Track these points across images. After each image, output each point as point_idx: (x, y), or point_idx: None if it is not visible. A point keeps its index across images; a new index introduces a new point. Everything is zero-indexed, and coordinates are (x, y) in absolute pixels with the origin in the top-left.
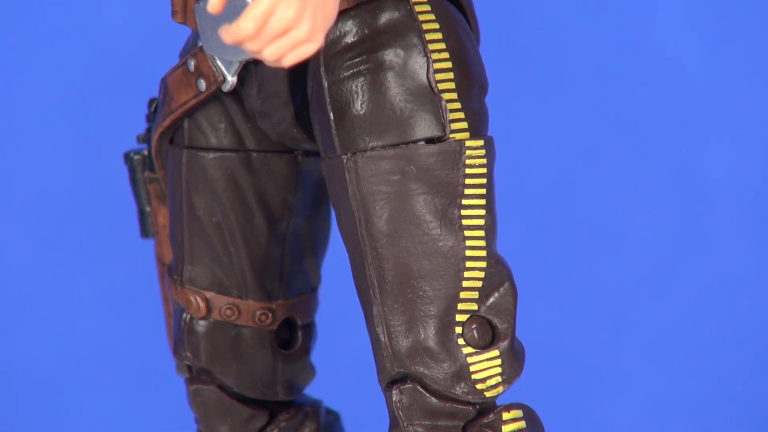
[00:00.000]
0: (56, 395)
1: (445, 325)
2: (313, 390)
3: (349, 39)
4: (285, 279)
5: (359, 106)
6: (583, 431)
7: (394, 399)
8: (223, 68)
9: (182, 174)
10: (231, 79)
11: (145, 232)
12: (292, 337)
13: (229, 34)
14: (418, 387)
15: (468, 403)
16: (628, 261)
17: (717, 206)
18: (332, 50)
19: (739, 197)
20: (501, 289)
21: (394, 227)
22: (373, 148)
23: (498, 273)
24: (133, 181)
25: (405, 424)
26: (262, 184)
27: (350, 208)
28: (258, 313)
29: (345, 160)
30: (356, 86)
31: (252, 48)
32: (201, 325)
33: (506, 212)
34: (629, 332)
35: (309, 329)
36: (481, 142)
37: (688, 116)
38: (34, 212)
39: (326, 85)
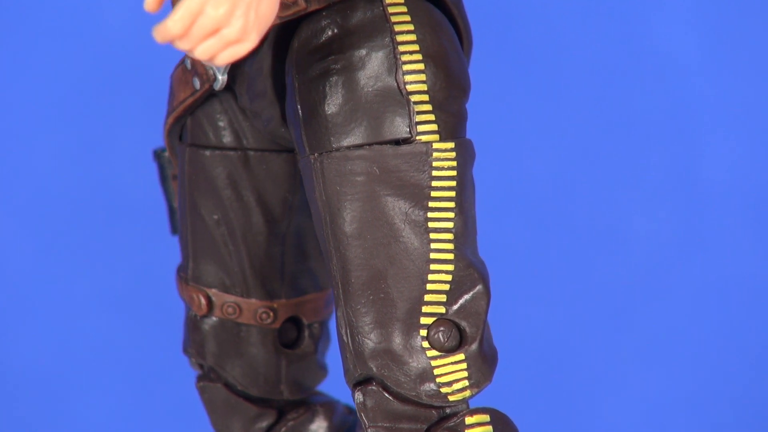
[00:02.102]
0: (56, 395)
1: (409, 327)
2: (334, 390)
3: (320, 39)
4: (287, 278)
5: (326, 106)
6: (582, 431)
7: (356, 400)
8: (214, 66)
9: (185, 171)
10: (221, 78)
11: (174, 229)
12: (299, 336)
13: (158, 32)
14: (381, 389)
15: (430, 407)
16: (627, 261)
17: (716, 206)
18: (304, 50)
19: (739, 197)
20: (471, 292)
21: (358, 228)
22: (338, 149)
23: (469, 276)
24: (163, 177)
25: (367, 425)
26: (260, 182)
27: (318, 209)
28: (259, 311)
29: (312, 161)
30: (324, 86)
31: (183, 47)
32: (206, 323)
33: (506, 213)
34: (628, 332)
35: (317, 329)
36: (451, 145)
37: (688, 116)
38: (34, 212)
39: (296, 84)
